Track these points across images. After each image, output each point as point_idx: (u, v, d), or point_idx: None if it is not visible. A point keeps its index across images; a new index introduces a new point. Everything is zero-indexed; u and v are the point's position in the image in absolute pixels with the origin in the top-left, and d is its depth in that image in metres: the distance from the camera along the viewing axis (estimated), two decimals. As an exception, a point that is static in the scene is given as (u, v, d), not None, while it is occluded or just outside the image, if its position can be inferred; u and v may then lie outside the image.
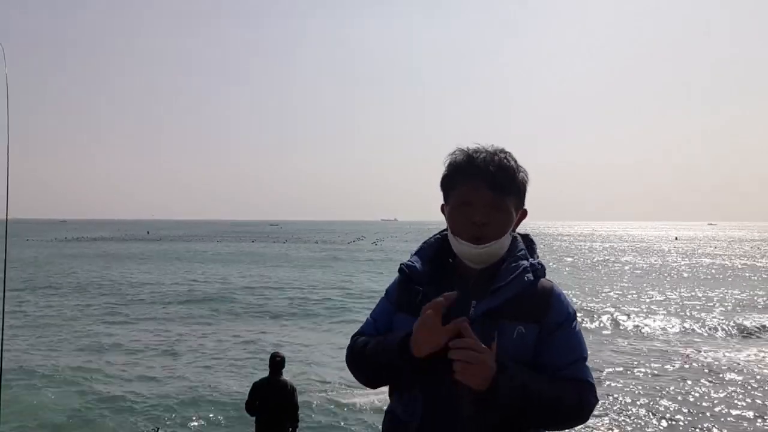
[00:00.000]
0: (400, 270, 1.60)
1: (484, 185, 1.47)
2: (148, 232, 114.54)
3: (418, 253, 1.62)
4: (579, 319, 1.58)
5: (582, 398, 1.42)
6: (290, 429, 6.48)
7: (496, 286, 1.46)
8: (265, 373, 6.68)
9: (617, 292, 26.57)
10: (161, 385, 11.50)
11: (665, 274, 35.95)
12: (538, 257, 1.57)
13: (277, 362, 6.52)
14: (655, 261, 46.94)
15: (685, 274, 35.71)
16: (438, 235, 1.66)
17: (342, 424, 9.58)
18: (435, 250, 1.62)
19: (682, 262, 46.22)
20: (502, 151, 1.54)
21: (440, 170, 1.61)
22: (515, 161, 1.54)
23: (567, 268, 39.50)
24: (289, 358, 8.38)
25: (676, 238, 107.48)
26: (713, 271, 38.46)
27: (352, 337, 1.67)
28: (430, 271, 1.56)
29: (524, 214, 1.59)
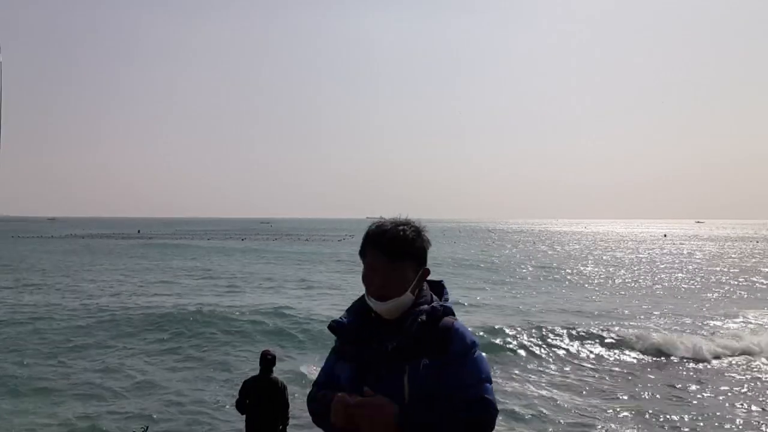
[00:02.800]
0: (329, 327, 1.96)
1: (381, 252, 1.85)
2: (138, 231, 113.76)
3: (348, 309, 1.99)
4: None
5: (482, 413, 1.74)
6: (281, 427, 6.48)
7: (401, 329, 1.82)
8: (256, 371, 6.67)
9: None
10: (149, 385, 11.44)
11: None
12: (446, 299, 1.96)
13: (268, 360, 6.51)
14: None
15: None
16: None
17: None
18: (361, 305, 1.96)
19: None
20: (404, 223, 1.92)
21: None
22: (414, 230, 1.90)
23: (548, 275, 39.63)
24: (280, 355, 8.35)
25: (665, 235, 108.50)
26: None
27: (313, 385, 2.00)
28: (357, 323, 1.92)
29: (426, 272, 1.94)
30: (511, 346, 14.71)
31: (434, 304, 1.88)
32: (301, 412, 9.51)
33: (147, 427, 7.98)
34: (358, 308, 1.97)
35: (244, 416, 6.48)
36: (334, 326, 1.94)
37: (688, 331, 16.79)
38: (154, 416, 9.62)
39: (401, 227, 1.88)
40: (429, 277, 1.99)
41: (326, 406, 1.79)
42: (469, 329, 1.87)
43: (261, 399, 6.36)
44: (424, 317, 1.81)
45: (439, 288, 2.00)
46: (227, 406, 9.70)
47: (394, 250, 1.84)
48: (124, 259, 43.40)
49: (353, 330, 1.90)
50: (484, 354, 1.86)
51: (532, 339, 15.28)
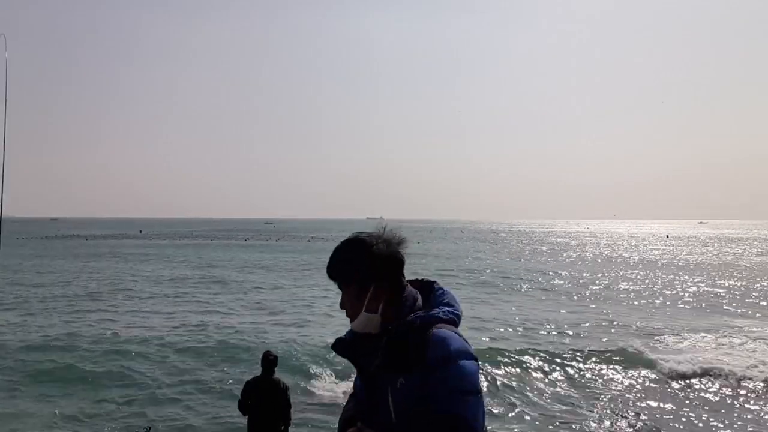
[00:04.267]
0: (333, 347, 1.94)
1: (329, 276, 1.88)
2: (141, 231, 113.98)
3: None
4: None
5: (447, 429, 1.62)
6: (282, 427, 6.49)
7: (378, 348, 1.76)
8: (258, 372, 6.70)
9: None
10: (151, 385, 11.47)
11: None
12: (438, 302, 1.83)
13: (270, 361, 6.53)
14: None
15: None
16: None
17: (333, 422, 9.60)
18: None
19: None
20: (346, 243, 1.86)
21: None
22: (350, 251, 1.83)
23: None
24: (281, 355, 8.38)
25: (668, 236, 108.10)
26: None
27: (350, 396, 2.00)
28: (357, 339, 1.88)
29: (379, 289, 1.82)
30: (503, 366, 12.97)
31: (411, 317, 1.76)
32: (301, 413, 9.57)
33: (150, 428, 8.00)
34: None
35: (246, 417, 6.51)
36: (336, 343, 1.94)
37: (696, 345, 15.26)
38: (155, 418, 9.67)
39: (337, 253, 1.86)
40: (422, 277, 1.95)
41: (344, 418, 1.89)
42: (458, 337, 1.73)
43: (263, 399, 6.37)
44: (385, 339, 1.74)
45: (428, 290, 1.89)
46: (229, 407, 9.74)
47: (333, 276, 1.86)
48: (120, 263, 43.36)
49: (345, 347, 1.90)
50: (473, 364, 1.71)
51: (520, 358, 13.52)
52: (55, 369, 12.34)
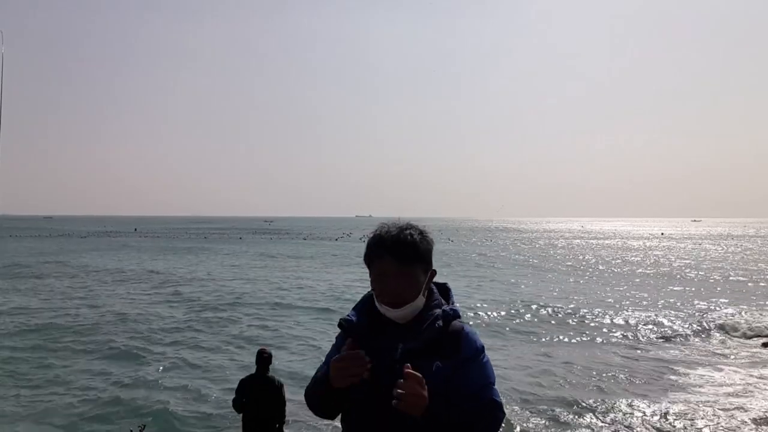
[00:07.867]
0: (340, 324, 1.95)
1: (391, 258, 1.84)
2: (135, 229, 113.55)
3: (356, 307, 1.98)
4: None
5: (492, 415, 1.80)
6: (277, 425, 6.47)
7: (416, 332, 1.84)
8: (252, 370, 6.67)
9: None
10: (145, 384, 11.41)
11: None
12: (453, 302, 1.98)
13: (264, 358, 6.50)
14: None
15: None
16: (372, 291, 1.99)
17: (329, 421, 9.54)
18: (370, 304, 1.96)
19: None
20: (407, 226, 1.91)
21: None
22: (419, 233, 1.90)
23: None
24: (276, 353, 8.34)
25: (662, 234, 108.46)
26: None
27: (312, 378, 1.98)
28: (367, 322, 1.92)
29: (433, 273, 1.95)
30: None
31: (445, 307, 1.91)
32: (297, 410, 9.54)
33: (144, 426, 7.96)
34: (367, 308, 1.96)
35: (241, 415, 6.48)
36: (344, 324, 1.93)
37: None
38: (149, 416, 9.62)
39: (407, 231, 1.88)
40: (434, 280, 2.01)
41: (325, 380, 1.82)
42: (478, 334, 1.90)
43: (258, 397, 6.35)
44: (440, 322, 1.85)
45: (444, 291, 2.03)
46: (224, 405, 9.70)
47: (404, 255, 1.84)
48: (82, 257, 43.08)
49: (364, 330, 1.90)
50: (490, 359, 1.90)
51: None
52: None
